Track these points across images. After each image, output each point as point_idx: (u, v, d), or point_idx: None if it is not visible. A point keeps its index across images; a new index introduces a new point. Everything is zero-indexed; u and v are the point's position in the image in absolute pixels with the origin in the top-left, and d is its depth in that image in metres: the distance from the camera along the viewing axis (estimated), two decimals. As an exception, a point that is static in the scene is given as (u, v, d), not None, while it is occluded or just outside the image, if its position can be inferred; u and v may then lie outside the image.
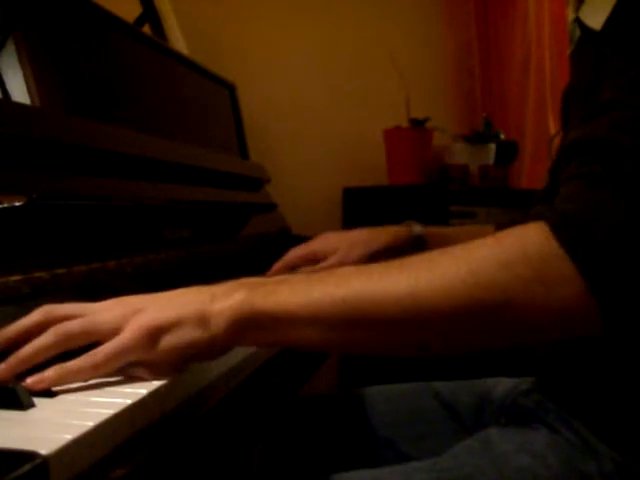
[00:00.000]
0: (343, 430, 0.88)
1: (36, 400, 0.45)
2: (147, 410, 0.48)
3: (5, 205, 0.60)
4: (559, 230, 0.48)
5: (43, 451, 0.36)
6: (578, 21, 0.75)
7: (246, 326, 0.51)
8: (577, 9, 0.76)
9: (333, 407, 0.92)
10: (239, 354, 0.68)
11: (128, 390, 0.49)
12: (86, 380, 0.50)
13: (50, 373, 0.48)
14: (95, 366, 0.49)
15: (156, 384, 0.51)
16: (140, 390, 0.49)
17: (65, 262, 0.64)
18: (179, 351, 0.51)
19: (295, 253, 1.01)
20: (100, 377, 0.53)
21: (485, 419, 0.83)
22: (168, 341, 0.50)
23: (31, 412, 0.44)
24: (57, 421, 0.42)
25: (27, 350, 0.49)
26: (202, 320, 0.51)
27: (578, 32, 0.76)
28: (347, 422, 0.89)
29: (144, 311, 0.51)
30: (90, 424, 0.41)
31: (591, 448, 0.66)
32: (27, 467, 0.35)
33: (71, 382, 0.49)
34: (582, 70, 0.78)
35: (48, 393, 0.47)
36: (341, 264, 0.97)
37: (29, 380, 0.47)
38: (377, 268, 0.52)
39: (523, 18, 2.30)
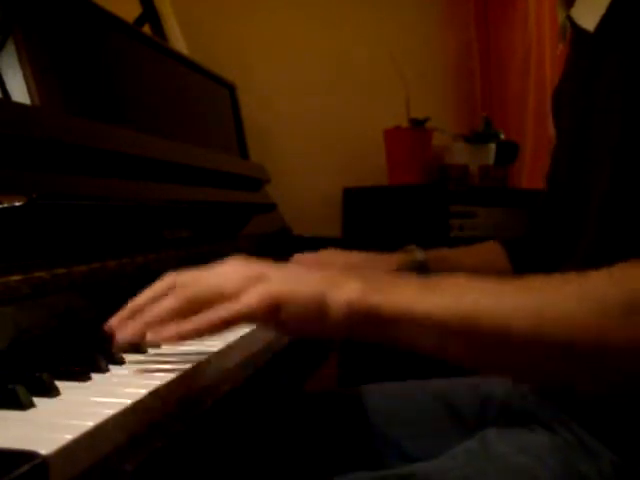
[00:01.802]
0: (343, 428, 0.88)
1: (36, 400, 0.45)
2: (147, 410, 0.48)
3: (5, 205, 0.60)
4: None
5: (43, 451, 0.36)
6: (570, 20, 0.75)
7: (358, 321, 0.52)
8: (567, 6, 0.75)
9: (333, 405, 0.92)
10: (237, 355, 0.68)
11: (128, 390, 0.49)
12: (215, 334, 0.53)
13: (188, 326, 0.51)
14: (225, 322, 0.52)
15: (155, 384, 0.51)
16: (140, 390, 0.49)
17: (65, 262, 0.64)
18: (296, 325, 0.53)
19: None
20: (101, 376, 0.54)
21: (486, 418, 0.83)
22: (287, 314, 0.52)
23: (31, 412, 0.44)
24: (57, 421, 0.42)
25: (155, 311, 0.54)
26: (321, 302, 0.52)
27: (569, 29, 0.76)
28: (347, 420, 0.89)
29: (268, 279, 0.53)
30: (90, 424, 0.41)
31: (589, 449, 0.66)
32: (26, 467, 0.35)
33: (199, 336, 0.52)
34: (574, 69, 0.78)
35: (48, 392, 0.47)
36: None
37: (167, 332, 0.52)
38: (499, 282, 0.51)
39: (523, 18, 2.30)
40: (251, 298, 0.52)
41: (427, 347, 0.52)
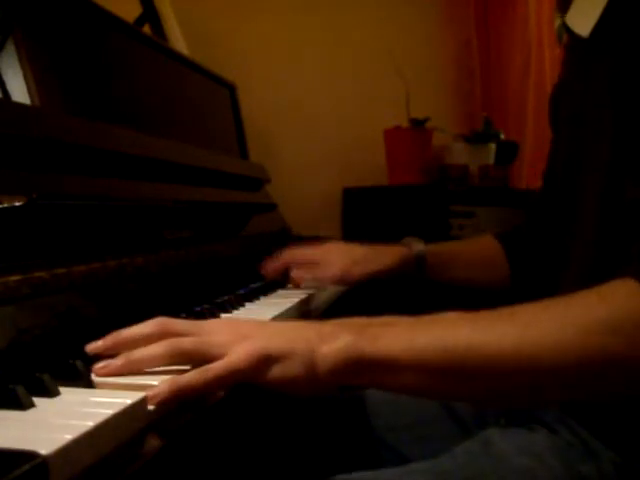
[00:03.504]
0: (343, 432, 0.88)
1: (36, 400, 0.45)
2: (147, 410, 0.48)
3: (5, 205, 0.60)
4: None
5: (43, 451, 0.36)
6: (565, 26, 0.75)
7: (350, 371, 0.52)
8: (563, 13, 0.76)
9: (333, 409, 0.92)
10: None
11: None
12: (195, 394, 0.50)
13: (164, 386, 0.49)
14: (207, 383, 0.50)
15: (155, 384, 0.51)
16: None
17: (65, 262, 0.64)
18: (284, 383, 0.52)
19: (294, 257, 1.01)
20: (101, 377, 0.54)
21: (486, 420, 0.83)
22: (275, 372, 0.52)
23: (31, 412, 0.44)
24: (57, 421, 0.42)
25: (141, 354, 0.52)
26: (309, 360, 0.52)
27: (565, 37, 0.77)
28: (347, 424, 0.88)
29: (253, 338, 0.53)
30: (90, 424, 0.41)
31: (590, 449, 0.66)
32: (26, 467, 0.35)
33: (182, 396, 0.49)
34: (569, 74, 0.79)
35: (46, 392, 0.47)
36: (341, 279, 0.97)
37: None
38: (482, 319, 0.52)
39: (523, 18, 2.30)
40: (238, 355, 0.51)
41: (412, 386, 0.52)
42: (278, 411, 0.89)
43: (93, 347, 0.55)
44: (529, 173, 2.27)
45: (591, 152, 0.71)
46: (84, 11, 0.92)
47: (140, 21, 1.35)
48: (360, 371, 0.52)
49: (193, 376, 0.50)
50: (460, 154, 2.07)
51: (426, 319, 0.54)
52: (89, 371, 0.53)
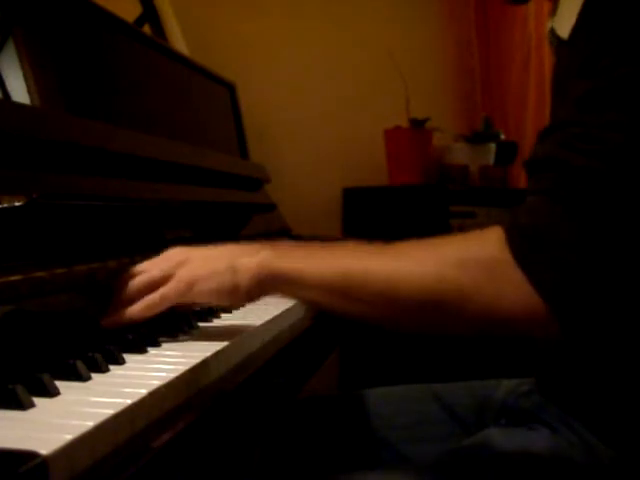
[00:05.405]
0: (343, 432, 0.88)
1: (36, 400, 0.45)
2: (147, 410, 0.48)
3: (5, 205, 0.60)
4: (512, 241, 0.53)
5: (43, 451, 0.36)
6: (552, 31, 0.76)
7: (264, 281, 0.63)
8: (553, 17, 0.76)
9: (333, 409, 0.92)
10: (239, 355, 0.68)
11: (128, 390, 0.49)
12: (145, 318, 0.65)
13: (121, 314, 0.63)
14: (154, 306, 0.64)
15: (156, 384, 0.51)
16: (140, 390, 0.49)
17: (65, 262, 0.64)
18: (209, 294, 0.65)
19: None
20: (101, 376, 0.54)
21: (485, 421, 0.83)
22: (199, 289, 0.64)
23: (31, 412, 0.44)
24: (57, 421, 0.42)
25: (124, 297, 0.66)
26: (231, 270, 0.63)
27: (555, 42, 0.77)
28: (347, 424, 0.89)
29: (185, 265, 0.65)
30: (90, 424, 0.41)
31: (591, 449, 0.66)
32: (26, 467, 0.35)
33: (137, 319, 0.64)
34: (553, 77, 0.79)
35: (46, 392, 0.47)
36: None
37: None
38: (370, 250, 0.61)
39: (523, 18, 2.30)
40: (172, 283, 0.64)
41: (314, 300, 0.62)
42: (278, 411, 0.89)
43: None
44: (529, 173, 2.26)
45: None
46: (84, 11, 0.92)
47: (140, 21, 1.35)
48: (272, 283, 0.63)
49: (143, 303, 0.64)
50: (460, 154, 2.07)
51: (332, 246, 0.64)
52: (89, 371, 0.53)
